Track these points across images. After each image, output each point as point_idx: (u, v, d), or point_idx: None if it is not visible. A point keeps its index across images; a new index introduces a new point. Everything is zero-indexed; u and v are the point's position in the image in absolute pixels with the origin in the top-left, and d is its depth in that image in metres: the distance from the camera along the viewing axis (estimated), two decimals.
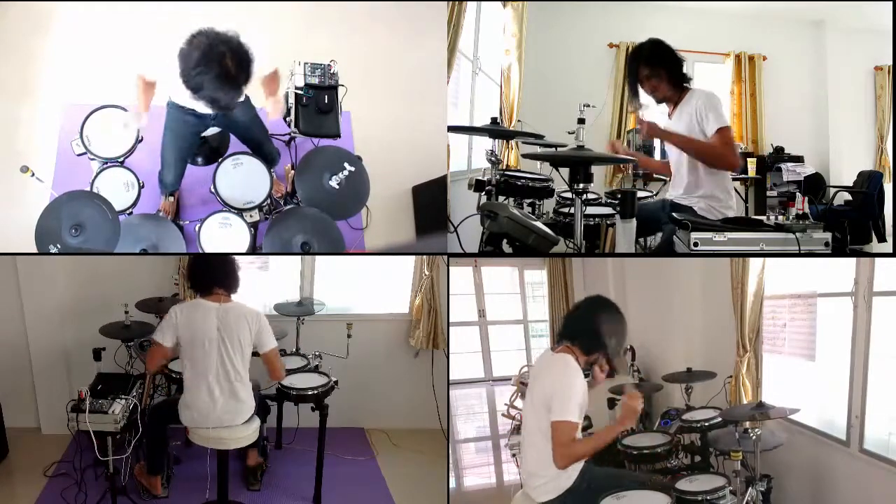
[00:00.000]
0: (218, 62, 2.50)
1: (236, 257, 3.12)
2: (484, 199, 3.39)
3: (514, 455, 3.53)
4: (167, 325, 2.95)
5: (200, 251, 3.08)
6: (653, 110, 3.45)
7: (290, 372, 3.56)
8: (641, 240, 3.41)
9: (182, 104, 3.03)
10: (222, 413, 2.98)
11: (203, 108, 2.82)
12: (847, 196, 5.86)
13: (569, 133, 3.18)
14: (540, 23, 5.74)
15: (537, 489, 2.46)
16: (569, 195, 3.30)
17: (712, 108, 3.05)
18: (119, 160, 3.20)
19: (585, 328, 2.44)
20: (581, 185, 2.85)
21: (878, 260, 2.96)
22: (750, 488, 2.61)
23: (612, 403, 3.69)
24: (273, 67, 3.04)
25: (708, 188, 3.14)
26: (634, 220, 2.81)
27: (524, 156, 3.82)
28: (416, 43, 4.33)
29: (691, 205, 3.16)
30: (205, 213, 3.18)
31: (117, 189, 3.15)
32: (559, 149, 3.64)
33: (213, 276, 3.02)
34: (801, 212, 2.79)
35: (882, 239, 5.46)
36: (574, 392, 2.35)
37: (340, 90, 3.63)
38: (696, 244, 2.72)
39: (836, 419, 3.10)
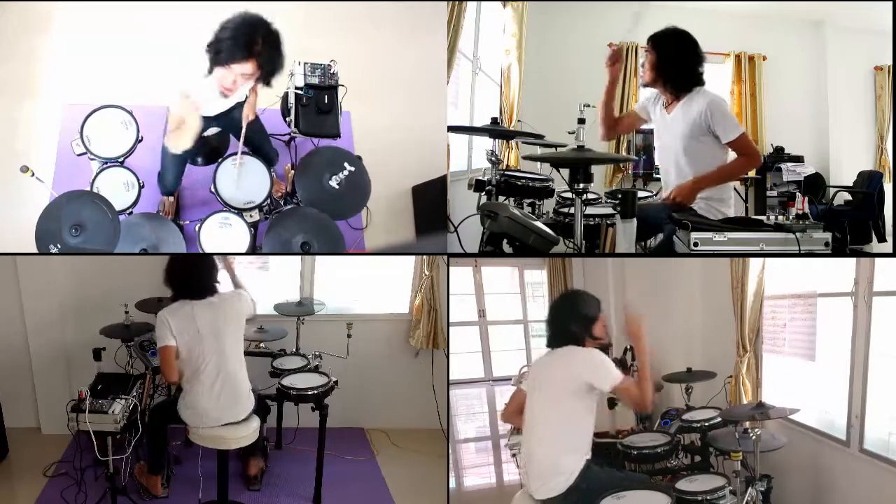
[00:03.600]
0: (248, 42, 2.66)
1: (216, 260, 3.12)
2: (484, 199, 3.39)
3: (514, 455, 3.52)
4: (163, 328, 2.94)
5: (200, 251, 3.08)
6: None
7: (290, 372, 3.57)
8: (642, 241, 3.41)
9: None
10: (223, 410, 2.99)
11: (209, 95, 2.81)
12: (847, 196, 5.86)
13: (569, 133, 3.18)
14: (540, 23, 5.73)
15: (540, 488, 2.47)
16: (569, 195, 3.30)
17: (726, 116, 3.05)
18: (119, 160, 3.20)
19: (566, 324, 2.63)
20: (581, 185, 2.85)
21: (878, 260, 2.96)
22: (750, 488, 2.61)
23: (612, 403, 3.68)
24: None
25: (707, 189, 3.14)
26: (634, 220, 2.81)
27: (524, 157, 3.82)
28: (416, 43, 4.32)
29: (691, 205, 3.15)
30: (205, 213, 3.18)
31: (117, 189, 3.14)
32: (559, 149, 3.64)
33: (190, 285, 3.03)
34: (801, 212, 2.79)
35: (882, 239, 5.46)
36: (608, 360, 2.54)
37: (340, 90, 3.63)
38: (696, 244, 2.72)
39: (836, 419, 3.09)
